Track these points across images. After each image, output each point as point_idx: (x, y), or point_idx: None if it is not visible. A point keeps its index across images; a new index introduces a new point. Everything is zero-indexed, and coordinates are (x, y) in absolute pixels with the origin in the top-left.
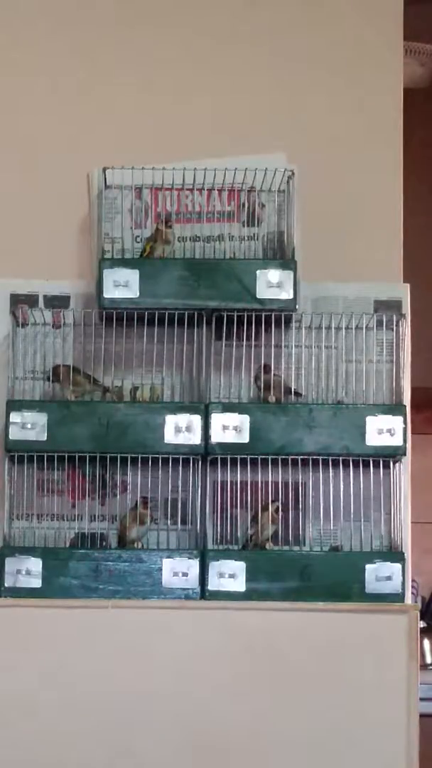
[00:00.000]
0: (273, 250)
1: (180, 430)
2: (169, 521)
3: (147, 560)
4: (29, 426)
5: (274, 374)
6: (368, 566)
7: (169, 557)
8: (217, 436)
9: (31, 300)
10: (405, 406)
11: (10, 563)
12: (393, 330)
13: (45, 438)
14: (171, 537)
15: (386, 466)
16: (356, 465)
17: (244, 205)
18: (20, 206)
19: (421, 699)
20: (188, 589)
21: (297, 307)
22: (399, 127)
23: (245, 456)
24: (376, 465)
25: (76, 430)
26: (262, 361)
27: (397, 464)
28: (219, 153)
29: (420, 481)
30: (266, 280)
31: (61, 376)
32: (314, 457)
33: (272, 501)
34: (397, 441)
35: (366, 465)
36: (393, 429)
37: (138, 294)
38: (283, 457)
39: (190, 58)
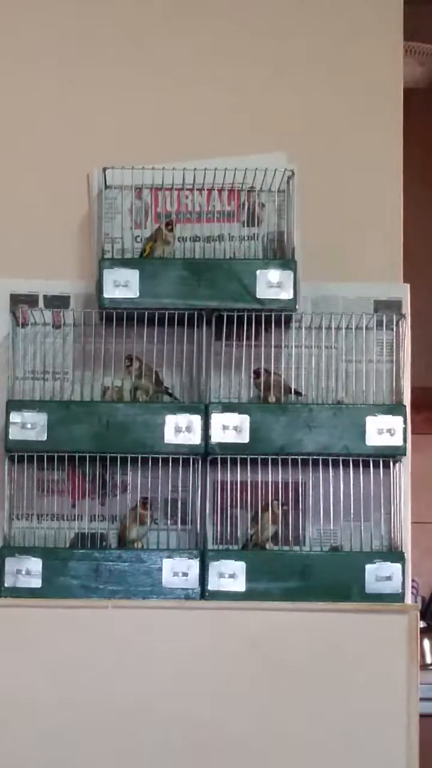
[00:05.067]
0: (273, 250)
1: (180, 430)
2: (169, 521)
3: (147, 560)
4: (29, 426)
5: (274, 374)
6: (368, 566)
7: (169, 557)
8: (217, 436)
9: (31, 300)
10: (405, 406)
11: (10, 563)
12: (393, 330)
13: (45, 438)
14: (171, 537)
15: (386, 466)
16: (356, 465)
17: (244, 205)
18: (20, 206)
19: (421, 699)
20: (188, 589)
21: (297, 307)
22: (399, 127)
23: (245, 456)
24: (376, 465)
25: (76, 430)
26: (262, 362)
27: (397, 464)
28: (219, 153)
29: (420, 481)
30: (266, 280)
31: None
32: (314, 457)
33: (273, 500)
34: (397, 441)
35: (366, 465)
36: (393, 429)
37: (138, 294)
38: (283, 457)
39: (191, 58)
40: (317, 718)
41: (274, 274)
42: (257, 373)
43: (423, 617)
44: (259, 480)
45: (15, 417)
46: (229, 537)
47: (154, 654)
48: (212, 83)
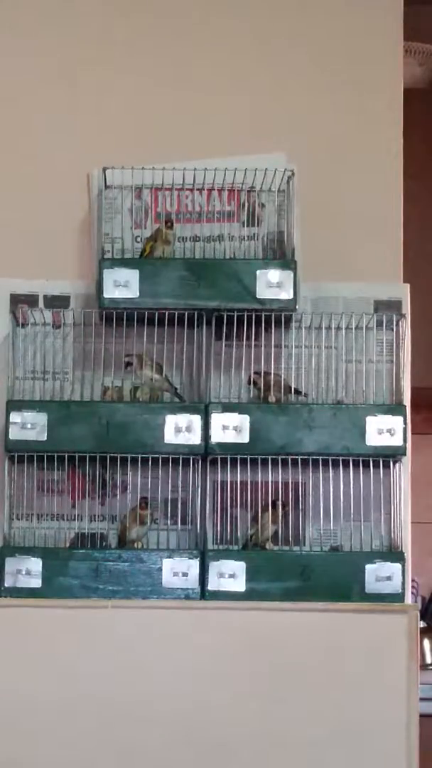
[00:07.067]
0: (273, 250)
1: (180, 430)
2: (169, 521)
3: (147, 560)
4: (29, 426)
5: (274, 374)
6: (368, 566)
7: (169, 557)
8: (217, 436)
9: (31, 300)
10: (405, 406)
11: (10, 563)
12: (393, 330)
13: (45, 438)
14: (171, 537)
15: (386, 466)
16: (356, 465)
17: (244, 205)
18: (20, 206)
19: (421, 699)
20: (188, 589)
21: (297, 307)
22: (399, 127)
23: (245, 456)
24: (376, 465)
25: (76, 430)
26: (262, 362)
27: (397, 464)
28: (219, 153)
29: (420, 481)
30: (266, 280)
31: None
32: (314, 457)
33: (274, 500)
34: (397, 441)
35: (366, 465)
36: (393, 429)
37: (138, 294)
38: (283, 457)
39: (190, 58)
40: (317, 718)
41: (274, 274)
42: (257, 373)
43: (423, 617)
44: (259, 480)
45: (15, 417)
46: (229, 537)
47: (154, 654)
48: (212, 83)
